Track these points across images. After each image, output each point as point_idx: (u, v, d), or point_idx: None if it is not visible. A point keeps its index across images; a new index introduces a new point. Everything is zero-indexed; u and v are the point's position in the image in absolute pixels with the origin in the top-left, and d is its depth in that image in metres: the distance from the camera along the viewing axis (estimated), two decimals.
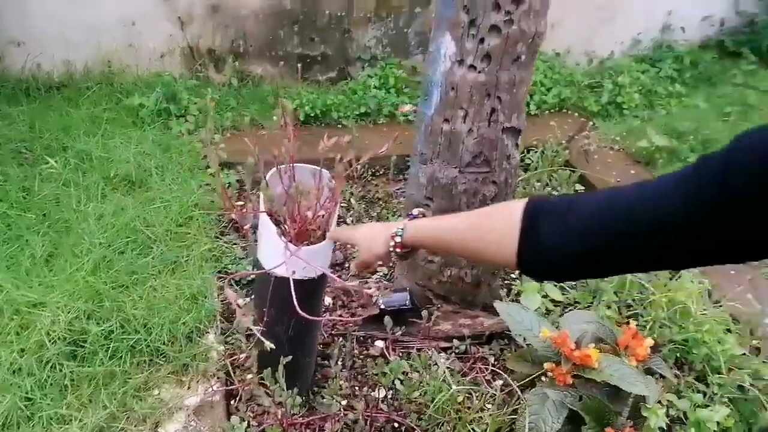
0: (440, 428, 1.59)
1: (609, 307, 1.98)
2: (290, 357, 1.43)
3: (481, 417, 1.58)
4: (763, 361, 1.76)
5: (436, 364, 1.74)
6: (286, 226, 1.38)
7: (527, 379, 1.65)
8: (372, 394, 1.76)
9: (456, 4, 1.59)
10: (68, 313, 1.62)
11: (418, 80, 3.37)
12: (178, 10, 3.10)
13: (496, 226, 0.79)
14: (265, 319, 1.48)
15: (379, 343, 1.96)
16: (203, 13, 3.13)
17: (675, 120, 3.40)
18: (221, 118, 2.90)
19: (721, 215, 0.57)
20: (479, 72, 1.63)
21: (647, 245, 0.63)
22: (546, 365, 1.53)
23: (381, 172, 2.85)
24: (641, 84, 3.65)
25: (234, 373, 1.68)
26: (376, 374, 1.75)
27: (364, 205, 2.62)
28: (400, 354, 1.90)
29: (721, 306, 2.01)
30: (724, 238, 0.58)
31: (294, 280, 1.31)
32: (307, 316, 1.32)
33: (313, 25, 3.32)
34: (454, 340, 1.95)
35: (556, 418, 1.48)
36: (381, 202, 2.68)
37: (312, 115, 3.05)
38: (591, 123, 3.38)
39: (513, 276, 2.26)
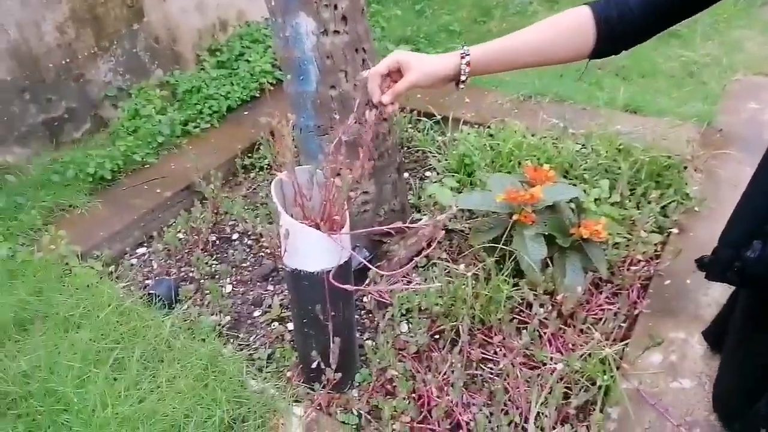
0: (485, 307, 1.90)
1: (483, 170, 2.50)
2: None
3: (494, 283, 1.93)
4: (592, 145, 2.51)
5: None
6: (320, 225, 1.47)
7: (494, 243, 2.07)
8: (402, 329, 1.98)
9: None
10: None
11: (182, 91, 3.29)
12: None
13: (568, 30, 1.04)
14: (320, 317, 1.56)
15: (365, 300, 2.14)
16: None
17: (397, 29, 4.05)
18: (14, 226, 2.47)
19: None
20: (344, 33, 1.84)
21: (681, 7, 0.99)
22: (514, 217, 1.95)
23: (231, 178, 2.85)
24: None
25: None
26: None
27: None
28: (389, 296, 2.12)
29: (537, 135, 2.70)
30: None
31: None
32: (366, 289, 1.47)
33: (43, 84, 2.91)
34: (414, 259, 2.24)
35: (539, 246, 1.94)
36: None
37: (116, 170, 2.78)
38: None
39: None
